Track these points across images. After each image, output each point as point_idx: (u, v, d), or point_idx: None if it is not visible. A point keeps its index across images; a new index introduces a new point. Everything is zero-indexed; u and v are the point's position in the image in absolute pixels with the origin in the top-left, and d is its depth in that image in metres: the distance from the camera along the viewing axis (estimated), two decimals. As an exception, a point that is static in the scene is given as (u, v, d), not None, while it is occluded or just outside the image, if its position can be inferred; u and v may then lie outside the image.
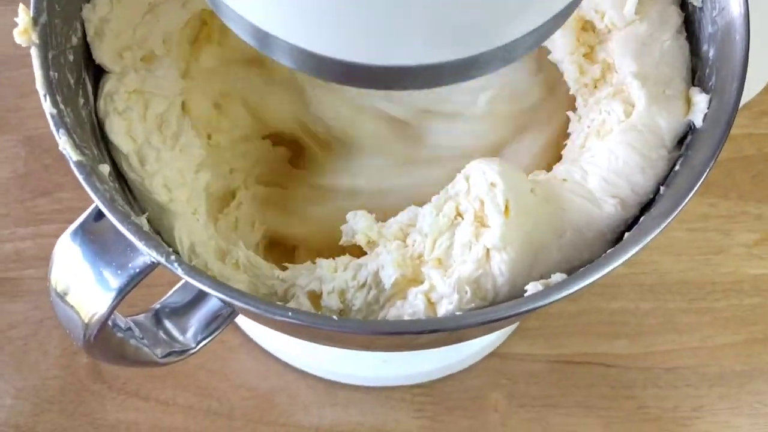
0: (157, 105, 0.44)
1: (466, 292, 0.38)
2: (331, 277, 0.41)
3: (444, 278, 0.39)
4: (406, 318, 0.39)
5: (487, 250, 0.39)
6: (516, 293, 0.38)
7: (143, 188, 0.42)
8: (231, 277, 0.42)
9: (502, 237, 0.38)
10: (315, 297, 0.41)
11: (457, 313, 0.38)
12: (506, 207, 0.39)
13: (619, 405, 0.62)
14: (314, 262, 0.42)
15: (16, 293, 0.66)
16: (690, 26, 0.43)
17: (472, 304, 0.38)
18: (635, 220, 0.41)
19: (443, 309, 0.38)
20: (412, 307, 0.39)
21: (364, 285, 0.40)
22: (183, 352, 0.49)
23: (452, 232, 0.40)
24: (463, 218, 0.40)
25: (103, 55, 0.43)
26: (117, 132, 0.42)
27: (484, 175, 0.40)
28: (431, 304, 0.39)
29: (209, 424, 0.62)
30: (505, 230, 0.38)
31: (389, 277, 0.40)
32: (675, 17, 0.43)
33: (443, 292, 0.39)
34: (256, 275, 0.43)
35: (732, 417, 0.62)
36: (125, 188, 0.43)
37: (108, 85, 0.43)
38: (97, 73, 0.44)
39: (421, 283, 0.40)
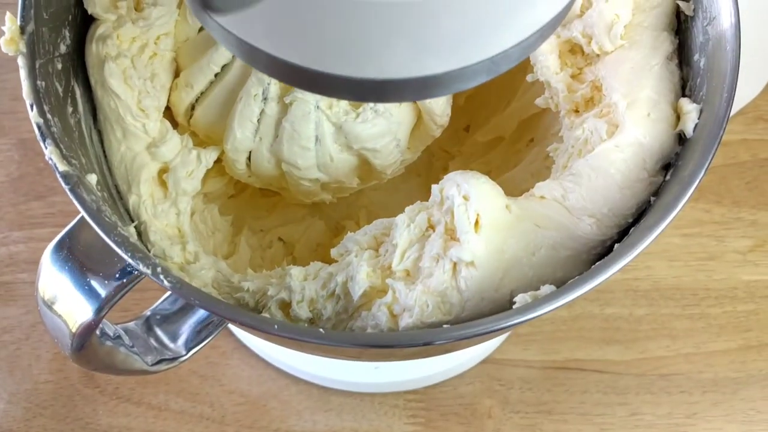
0: (151, 52, 0.45)
1: (428, 306, 0.38)
2: (301, 286, 0.41)
3: (407, 291, 0.38)
4: (369, 330, 0.39)
5: (454, 264, 0.38)
6: (483, 309, 0.38)
7: (143, 132, 0.44)
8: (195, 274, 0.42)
9: (470, 252, 0.38)
10: (286, 306, 0.41)
11: (417, 327, 0.38)
12: (477, 221, 0.38)
13: (613, 411, 0.62)
14: (284, 269, 0.42)
15: (9, 297, 0.65)
16: (681, 35, 0.43)
17: (434, 319, 0.38)
18: (613, 243, 0.40)
19: (404, 322, 0.38)
20: (374, 318, 0.39)
21: (333, 295, 0.40)
22: (174, 359, 0.48)
23: (422, 243, 0.40)
24: (434, 230, 0.40)
25: (95, 5, 0.43)
26: (117, 77, 0.43)
27: (457, 188, 0.39)
28: (393, 316, 0.39)
29: (202, 430, 0.61)
30: (473, 245, 0.38)
31: (358, 288, 0.39)
32: (667, 43, 0.42)
33: (405, 305, 0.38)
34: (220, 284, 0.43)
35: (726, 424, 0.62)
36: (113, 197, 0.43)
37: (101, 28, 0.43)
38: (86, 81, 0.44)
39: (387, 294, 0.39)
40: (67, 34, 0.42)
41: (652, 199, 0.40)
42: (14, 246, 0.67)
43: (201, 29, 0.47)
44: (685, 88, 0.42)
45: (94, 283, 0.38)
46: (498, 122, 0.55)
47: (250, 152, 0.47)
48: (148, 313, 0.48)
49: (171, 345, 0.48)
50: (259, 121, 0.45)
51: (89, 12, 0.43)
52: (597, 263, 0.38)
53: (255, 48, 0.29)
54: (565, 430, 0.62)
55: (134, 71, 0.43)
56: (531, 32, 0.29)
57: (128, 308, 0.53)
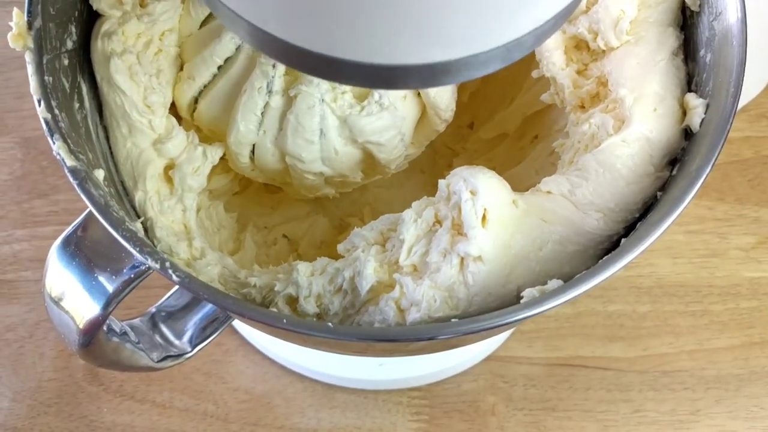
0: (156, 48, 0.45)
1: (435, 301, 0.38)
2: (308, 281, 0.41)
3: (415, 285, 0.38)
4: (376, 324, 0.39)
5: (462, 258, 0.38)
6: (490, 304, 0.38)
7: (149, 128, 0.44)
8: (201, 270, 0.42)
9: (477, 246, 0.38)
10: (293, 301, 0.41)
11: (425, 321, 0.38)
12: (484, 216, 0.38)
13: (617, 408, 0.62)
14: (291, 265, 0.42)
15: (13, 295, 0.65)
16: (687, 31, 0.43)
17: (441, 313, 0.38)
18: (619, 238, 0.40)
19: (411, 317, 0.38)
20: (382, 313, 0.39)
21: (340, 290, 0.40)
22: (179, 356, 0.48)
23: (429, 238, 0.40)
24: (441, 225, 0.40)
25: (100, 0, 0.43)
26: (122, 73, 0.43)
27: (464, 183, 0.39)
28: (400, 311, 0.39)
29: (206, 427, 0.61)
30: (480, 240, 0.38)
31: (365, 283, 0.39)
32: (672, 39, 0.42)
33: (412, 299, 0.38)
34: (227, 280, 0.43)
35: (729, 420, 0.62)
36: (120, 193, 0.43)
37: (107, 24, 0.43)
38: (93, 77, 0.44)
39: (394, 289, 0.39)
40: (74, 30, 0.42)
41: (659, 194, 0.40)
42: (18, 244, 0.67)
43: (203, 23, 0.47)
44: (691, 83, 0.42)
45: (102, 279, 0.38)
46: (502, 119, 0.55)
47: (253, 146, 0.47)
48: (154, 309, 0.48)
49: (176, 342, 0.48)
50: (263, 113, 0.45)
51: (94, 8, 0.43)
52: (604, 258, 0.38)
53: (263, 32, 0.29)
54: (568, 427, 0.62)
55: (140, 67, 0.44)
56: (546, 19, 0.29)
57: (133, 306, 0.53)
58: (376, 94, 0.44)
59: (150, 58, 0.44)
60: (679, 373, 0.63)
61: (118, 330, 0.44)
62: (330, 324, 0.38)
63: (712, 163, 0.37)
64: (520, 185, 0.49)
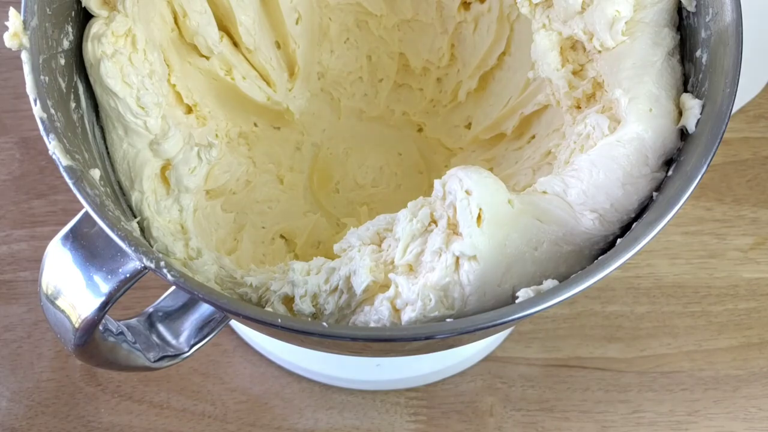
0: (147, 48, 0.45)
1: (430, 300, 0.38)
2: (303, 280, 0.41)
3: (410, 285, 0.38)
4: (372, 324, 0.39)
5: (457, 258, 0.38)
6: (485, 304, 0.38)
7: (144, 129, 0.44)
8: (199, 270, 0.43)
9: (472, 246, 0.37)
10: (289, 301, 0.41)
11: (420, 321, 0.38)
12: (479, 216, 0.38)
13: (615, 409, 0.62)
14: (287, 264, 0.42)
15: (11, 295, 0.66)
16: (683, 31, 0.43)
17: (436, 313, 0.38)
18: (615, 239, 0.40)
19: (407, 316, 0.38)
20: (377, 313, 0.39)
21: (335, 289, 0.40)
22: (176, 356, 0.48)
23: (425, 238, 0.39)
24: (437, 225, 0.40)
25: None
26: (114, 76, 0.43)
27: (459, 183, 0.39)
28: (396, 311, 0.39)
29: (203, 428, 0.61)
30: (475, 239, 0.37)
31: (361, 283, 0.39)
32: (668, 39, 0.42)
33: (407, 299, 0.38)
34: (223, 279, 0.43)
35: (727, 421, 0.62)
36: (116, 193, 0.43)
37: (96, 26, 0.43)
38: (88, 78, 0.44)
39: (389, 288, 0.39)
40: (70, 29, 0.42)
41: (655, 194, 0.40)
42: (16, 244, 0.67)
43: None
44: (687, 84, 0.42)
45: (98, 278, 0.38)
46: (499, 119, 0.55)
47: None
48: (151, 309, 0.48)
49: (173, 342, 0.48)
50: None
51: (83, 5, 0.43)
52: (600, 258, 0.38)
53: None
54: (566, 428, 0.62)
55: (132, 68, 0.44)
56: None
57: (130, 306, 0.53)
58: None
59: (141, 58, 0.44)
60: (678, 373, 0.63)
61: (114, 330, 0.44)
62: (325, 324, 0.38)
63: (707, 163, 0.37)
64: (517, 185, 0.49)
